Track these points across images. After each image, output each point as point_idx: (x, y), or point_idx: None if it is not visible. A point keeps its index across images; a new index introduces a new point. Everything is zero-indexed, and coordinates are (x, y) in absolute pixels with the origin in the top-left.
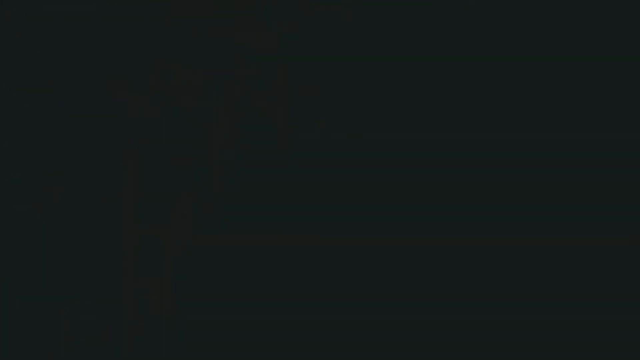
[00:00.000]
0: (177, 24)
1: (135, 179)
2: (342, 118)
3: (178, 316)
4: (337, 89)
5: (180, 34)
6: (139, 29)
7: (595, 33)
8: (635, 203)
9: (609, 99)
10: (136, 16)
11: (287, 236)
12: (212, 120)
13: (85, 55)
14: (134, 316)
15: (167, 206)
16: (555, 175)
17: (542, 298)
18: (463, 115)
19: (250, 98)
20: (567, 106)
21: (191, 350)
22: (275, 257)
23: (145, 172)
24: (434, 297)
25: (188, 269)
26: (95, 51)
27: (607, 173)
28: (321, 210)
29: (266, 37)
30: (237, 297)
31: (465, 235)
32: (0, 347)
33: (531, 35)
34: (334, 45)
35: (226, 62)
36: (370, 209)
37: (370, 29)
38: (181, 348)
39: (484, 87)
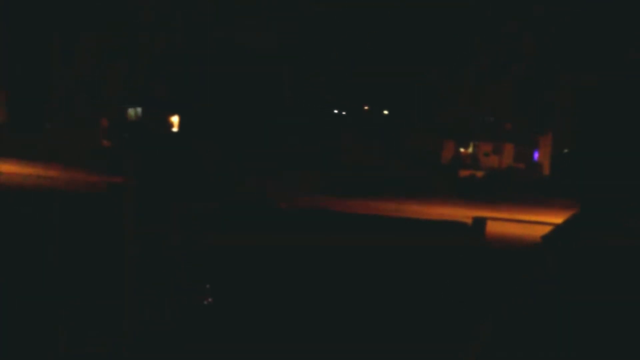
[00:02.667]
0: (177, 24)
1: (136, 181)
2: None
3: (178, 316)
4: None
5: (181, 34)
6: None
7: None
8: None
9: None
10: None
11: (286, 236)
12: (213, 120)
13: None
14: (134, 316)
15: (167, 206)
16: None
17: None
18: None
19: (249, 98)
20: None
21: (191, 350)
22: (275, 257)
23: (145, 173)
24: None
25: (188, 269)
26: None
27: None
28: (321, 210)
29: (266, 37)
30: (237, 296)
31: None
32: (0, 347)
33: None
34: (333, 45)
35: (226, 62)
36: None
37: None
38: (181, 348)
39: None
